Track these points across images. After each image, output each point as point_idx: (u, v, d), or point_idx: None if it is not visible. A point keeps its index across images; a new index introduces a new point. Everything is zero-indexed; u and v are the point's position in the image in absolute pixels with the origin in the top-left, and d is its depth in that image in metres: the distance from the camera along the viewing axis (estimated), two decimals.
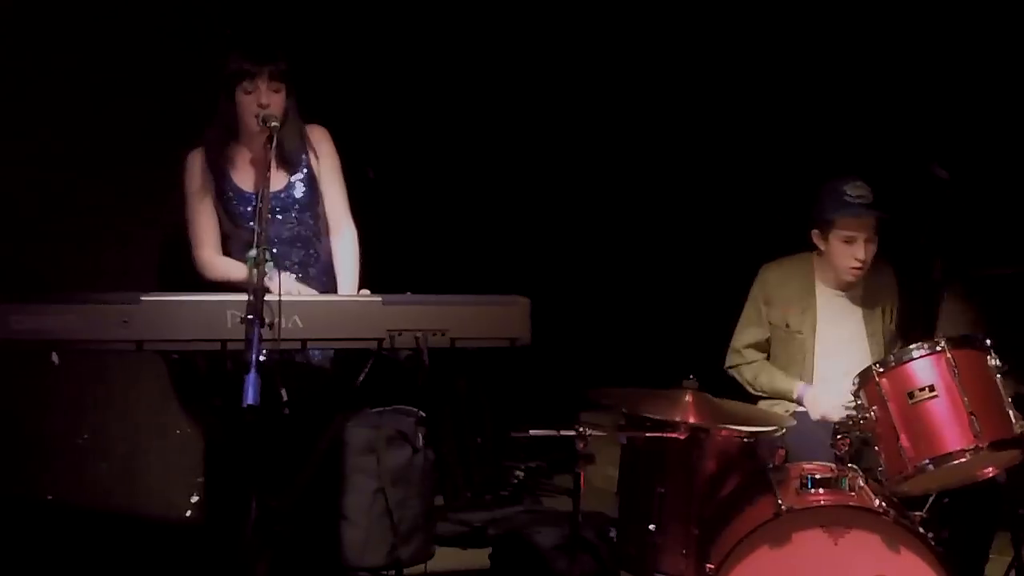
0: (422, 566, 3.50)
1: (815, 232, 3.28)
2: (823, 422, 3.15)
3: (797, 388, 3.31)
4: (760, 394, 3.38)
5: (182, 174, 2.95)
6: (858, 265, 3.22)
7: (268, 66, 2.86)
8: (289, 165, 2.97)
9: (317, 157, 3.02)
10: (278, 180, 2.96)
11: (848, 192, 3.19)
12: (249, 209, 2.90)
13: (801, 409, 3.35)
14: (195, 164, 2.95)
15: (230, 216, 2.94)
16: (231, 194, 2.94)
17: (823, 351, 3.34)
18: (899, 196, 3.39)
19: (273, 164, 2.93)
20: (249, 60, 2.86)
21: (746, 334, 3.40)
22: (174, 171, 3.03)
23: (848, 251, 3.21)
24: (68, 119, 3.41)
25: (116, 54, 3.50)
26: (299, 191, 3.00)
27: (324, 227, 3.06)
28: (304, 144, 3.00)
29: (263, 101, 2.84)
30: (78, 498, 3.40)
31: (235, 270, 2.86)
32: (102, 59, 3.47)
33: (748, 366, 3.38)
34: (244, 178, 2.96)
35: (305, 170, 3.01)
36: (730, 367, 3.43)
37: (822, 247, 3.29)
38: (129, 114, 3.50)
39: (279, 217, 2.96)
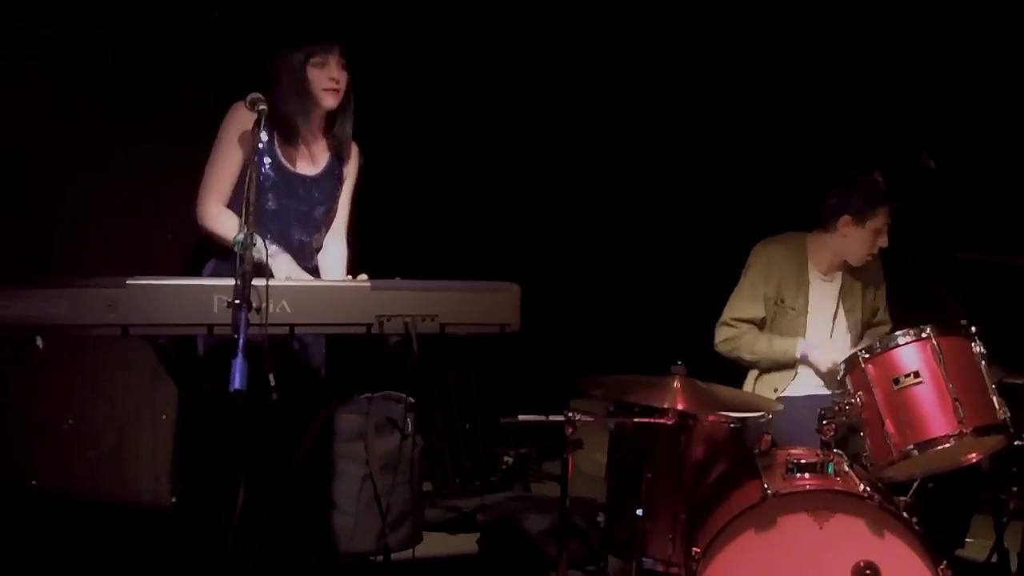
0: (410, 552, 3.51)
1: (847, 219, 3.31)
2: (835, 371, 3.20)
3: (798, 345, 3.34)
4: (756, 362, 3.38)
5: (226, 120, 2.89)
6: (877, 252, 3.35)
7: (339, 44, 2.86)
8: (335, 148, 2.98)
9: (346, 167, 3.05)
10: (310, 164, 2.98)
11: (882, 184, 3.28)
12: (270, 175, 2.88)
13: (788, 394, 3.38)
14: (241, 117, 2.84)
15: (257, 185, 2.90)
16: (262, 157, 2.89)
17: (812, 330, 3.39)
18: (890, 184, 3.41)
19: (323, 144, 2.97)
20: (326, 38, 2.86)
21: (740, 308, 3.41)
22: (177, 156, 3.00)
23: (874, 239, 3.32)
24: (69, 102, 3.37)
25: (116, 39, 3.47)
26: (327, 183, 3.01)
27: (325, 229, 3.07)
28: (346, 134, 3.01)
29: (334, 75, 2.85)
30: (64, 484, 3.39)
31: (233, 229, 2.80)
32: (99, 45, 3.44)
33: (743, 336, 3.38)
34: (280, 145, 2.93)
35: (338, 168, 3.03)
36: (721, 341, 3.42)
37: (849, 234, 3.33)
38: (110, 106, 3.46)
39: (301, 194, 2.96)
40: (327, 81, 2.86)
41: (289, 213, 2.95)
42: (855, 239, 3.33)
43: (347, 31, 2.94)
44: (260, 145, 2.66)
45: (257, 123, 2.73)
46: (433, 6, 4.65)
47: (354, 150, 3.08)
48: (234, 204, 2.87)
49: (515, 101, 4.93)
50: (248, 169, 2.56)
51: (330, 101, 2.89)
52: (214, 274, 2.88)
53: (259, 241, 2.50)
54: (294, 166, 2.95)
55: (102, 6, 3.46)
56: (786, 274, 3.40)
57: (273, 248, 2.70)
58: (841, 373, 2.93)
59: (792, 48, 4.75)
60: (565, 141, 5.07)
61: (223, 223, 2.85)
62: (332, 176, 3.03)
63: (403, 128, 4.68)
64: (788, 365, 3.37)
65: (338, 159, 3.03)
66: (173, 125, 3.36)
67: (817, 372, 3.37)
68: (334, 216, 3.07)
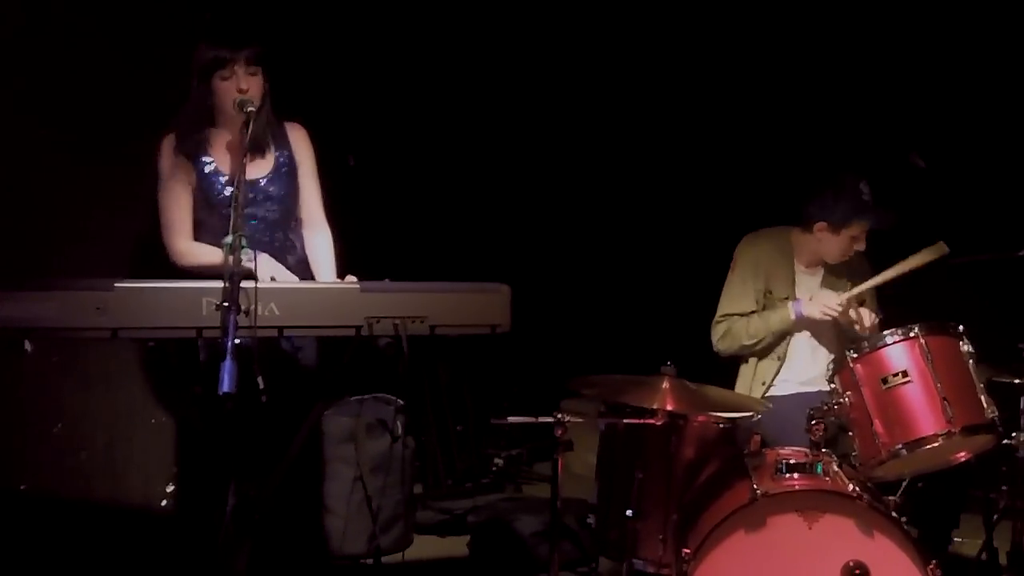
0: (401, 554, 3.50)
1: (823, 225, 3.32)
2: (825, 316, 3.25)
3: (790, 307, 3.36)
4: (758, 343, 3.37)
5: (156, 159, 2.92)
6: (853, 255, 3.36)
7: (244, 51, 2.84)
8: (259, 149, 2.95)
9: (295, 152, 3.02)
10: (257, 167, 2.95)
11: (864, 193, 3.27)
12: (227, 192, 2.87)
13: (776, 393, 3.39)
14: (168, 149, 2.92)
15: (207, 200, 2.92)
16: (210, 177, 2.92)
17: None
18: (878, 183, 3.43)
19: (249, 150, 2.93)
20: (226, 45, 2.84)
21: (731, 304, 3.42)
22: (147, 162, 3.01)
23: (850, 245, 3.33)
24: (40, 110, 3.36)
25: (92, 45, 3.46)
26: (277, 180, 2.99)
27: (298, 220, 3.05)
28: (274, 128, 2.99)
29: (242, 86, 2.82)
30: (55, 487, 3.38)
31: (211, 255, 2.82)
32: (78, 50, 3.43)
33: (734, 324, 3.39)
34: (223, 161, 2.93)
35: (284, 161, 3.00)
36: (719, 339, 3.42)
37: (824, 239, 3.34)
38: (102, 104, 3.45)
39: (255, 201, 2.94)
40: (235, 92, 2.83)
41: (252, 221, 2.92)
42: (830, 243, 3.35)
43: (265, 34, 2.91)
44: (246, 145, 2.67)
45: (245, 124, 2.73)
46: (424, 6, 4.65)
47: (301, 134, 3.04)
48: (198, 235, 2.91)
49: (505, 102, 4.93)
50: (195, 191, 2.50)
51: (239, 109, 2.80)
52: None
53: (246, 245, 2.50)
54: (244, 173, 2.91)
55: (100, 6, 3.45)
56: (773, 268, 3.42)
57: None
58: (831, 371, 2.94)
59: (780, 50, 4.76)
60: (554, 142, 5.07)
61: (196, 253, 2.88)
62: (281, 171, 2.99)
63: (393, 129, 4.69)
64: (780, 340, 3.38)
65: (282, 152, 2.98)
66: (162, 130, 3.36)
67: (814, 328, 3.37)
68: (294, 206, 3.02)
